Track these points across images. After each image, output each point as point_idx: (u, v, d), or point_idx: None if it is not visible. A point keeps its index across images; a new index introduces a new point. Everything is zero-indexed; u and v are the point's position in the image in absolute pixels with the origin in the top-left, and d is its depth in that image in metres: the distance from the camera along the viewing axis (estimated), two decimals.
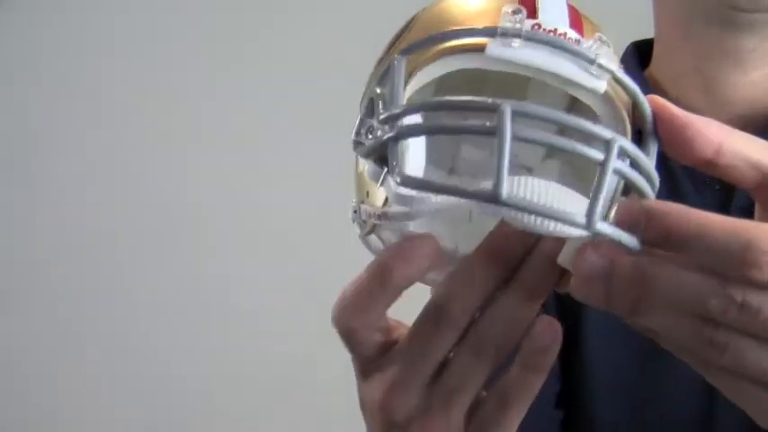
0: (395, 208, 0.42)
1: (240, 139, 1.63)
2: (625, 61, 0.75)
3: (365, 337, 0.44)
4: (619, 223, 0.37)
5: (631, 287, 0.37)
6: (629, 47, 0.77)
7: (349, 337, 0.44)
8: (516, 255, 0.42)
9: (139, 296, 1.65)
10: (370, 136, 0.42)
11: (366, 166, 0.43)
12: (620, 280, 0.37)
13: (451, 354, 0.43)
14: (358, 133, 0.43)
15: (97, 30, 1.65)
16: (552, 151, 0.49)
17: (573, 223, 0.36)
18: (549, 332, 0.42)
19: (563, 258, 0.40)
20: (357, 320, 0.43)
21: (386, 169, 0.41)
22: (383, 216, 0.43)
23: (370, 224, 0.45)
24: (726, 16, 0.67)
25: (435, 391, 0.43)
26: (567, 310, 0.72)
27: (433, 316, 0.43)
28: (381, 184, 0.42)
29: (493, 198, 0.36)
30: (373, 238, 0.46)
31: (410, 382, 0.43)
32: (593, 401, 0.72)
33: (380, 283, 0.42)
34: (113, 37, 1.65)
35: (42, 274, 1.67)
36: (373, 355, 0.44)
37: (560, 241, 0.40)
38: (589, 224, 0.36)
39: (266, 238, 1.62)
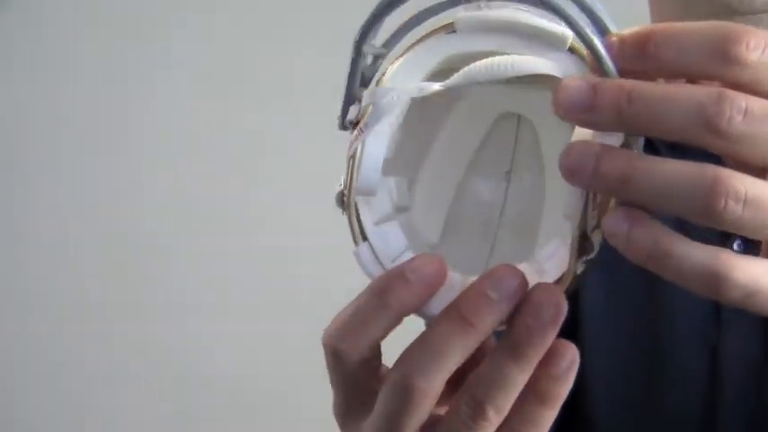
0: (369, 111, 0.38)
1: (250, 138, 1.63)
2: None
3: (354, 363, 0.39)
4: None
5: (617, 99, 0.34)
6: None
7: (336, 359, 0.39)
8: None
9: (149, 295, 1.66)
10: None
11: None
12: (605, 93, 0.35)
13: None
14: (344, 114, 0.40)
15: (98, 30, 1.65)
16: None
17: None
18: (566, 356, 0.37)
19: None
20: (347, 344, 0.38)
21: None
22: (359, 132, 0.38)
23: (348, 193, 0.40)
24: (721, 19, 0.65)
25: None
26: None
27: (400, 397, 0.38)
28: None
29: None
30: (363, 252, 0.40)
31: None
32: (591, 400, 0.71)
33: (375, 308, 0.37)
34: (114, 37, 1.65)
35: (49, 274, 1.67)
36: (361, 386, 0.40)
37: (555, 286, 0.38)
38: None
39: (281, 237, 1.62)
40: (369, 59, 0.38)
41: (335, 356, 0.39)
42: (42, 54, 1.66)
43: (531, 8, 0.39)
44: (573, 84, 0.35)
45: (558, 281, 0.39)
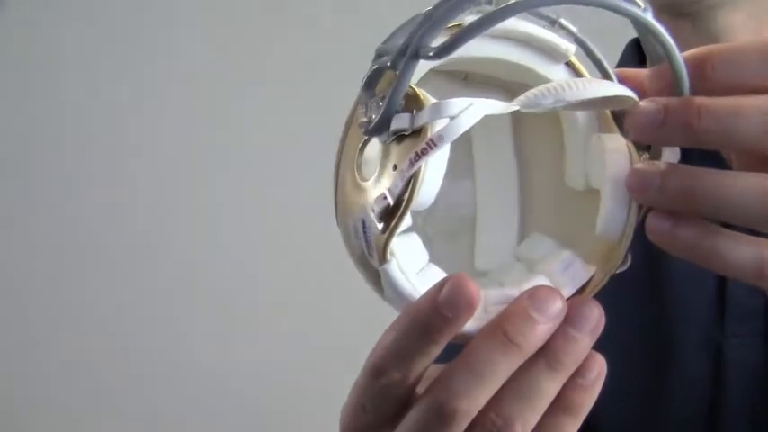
0: (438, 125, 0.36)
1: (249, 136, 1.63)
2: (625, 58, 0.74)
3: (405, 391, 0.39)
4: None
5: (687, 116, 0.36)
6: (628, 44, 0.76)
7: (387, 386, 0.38)
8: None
9: (147, 294, 1.66)
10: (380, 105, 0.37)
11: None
12: (677, 112, 0.36)
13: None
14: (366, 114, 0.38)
15: (98, 31, 1.65)
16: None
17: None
18: (595, 366, 0.38)
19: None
20: (401, 373, 0.38)
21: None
22: (429, 145, 0.35)
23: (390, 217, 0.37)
24: (673, 10, 0.63)
25: None
26: None
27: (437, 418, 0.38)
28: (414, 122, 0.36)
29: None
30: (394, 268, 0.38)
31: None
32: (595, 404, 0.71)
33: (421, 341, 0.37)
34: (114, 37, 1.65)
35: (50, 272, 1.67)
36: (399, 407, 0.39)
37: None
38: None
39: (277, 232, 1.62)
40: (377, 64, 0.37)
41: (388, 384, 0.38)
42: (39, 53, 1.66)
43: (535, 18, 0.39)
44: (650, 107, 0.36)
45: (579, 291, 0.39)
